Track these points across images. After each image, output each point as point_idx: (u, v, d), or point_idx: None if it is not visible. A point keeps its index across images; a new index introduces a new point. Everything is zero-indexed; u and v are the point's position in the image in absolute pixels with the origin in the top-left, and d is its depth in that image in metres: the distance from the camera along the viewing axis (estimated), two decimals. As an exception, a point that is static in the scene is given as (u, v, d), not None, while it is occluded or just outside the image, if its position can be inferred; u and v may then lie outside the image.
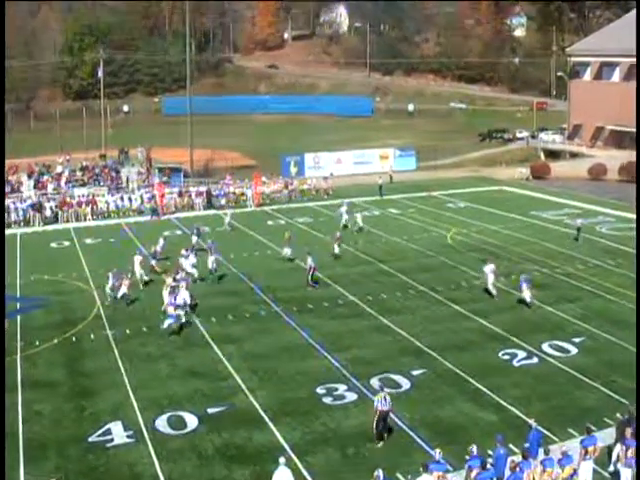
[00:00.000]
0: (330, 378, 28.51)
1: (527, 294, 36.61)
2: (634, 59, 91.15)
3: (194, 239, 47.25)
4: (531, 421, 22.52)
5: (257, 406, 26.42)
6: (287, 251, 44.65)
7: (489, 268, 38.50)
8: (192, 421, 25.44)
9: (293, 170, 75.69)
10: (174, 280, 36.59)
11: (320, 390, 27.52)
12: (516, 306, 36.61)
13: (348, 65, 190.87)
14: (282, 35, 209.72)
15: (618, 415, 23.96)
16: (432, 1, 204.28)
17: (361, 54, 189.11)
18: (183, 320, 33.86)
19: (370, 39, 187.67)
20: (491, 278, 38.16)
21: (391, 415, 24.40)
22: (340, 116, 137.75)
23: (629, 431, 21.84)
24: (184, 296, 35.29)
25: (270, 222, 57.39)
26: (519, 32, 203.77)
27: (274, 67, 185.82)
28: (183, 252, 41.95)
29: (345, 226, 53.35)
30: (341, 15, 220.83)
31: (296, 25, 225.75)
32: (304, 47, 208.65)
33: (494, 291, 37.96)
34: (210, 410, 26.11)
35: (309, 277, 39.91)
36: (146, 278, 40.27)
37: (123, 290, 36.97)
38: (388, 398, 23.99)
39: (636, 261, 43.39)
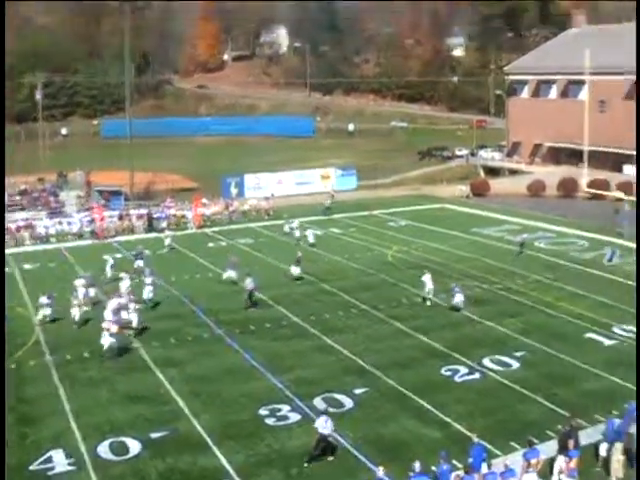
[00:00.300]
0: (273, 399, 28.46)
1: (459, 299, 38.10)
2: (571, 76, 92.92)
3: (137, 263, 46.87)
4: (473, 436, 22.77)
5: (200, 430, 26.23)
6: (231, 273, 44.46)
7: (427, 277, 39.74)
8: (135, 446, 25.17)
9: (234, 191, 75.50)
10: (119, 303, 36.32)
11: (263, 411, 27.44)
12: (457, 322, 37.01)
13: (288, 85, 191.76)
14: (222, 56, 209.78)
15: (559, 427, 24.22)
16: (372, 22, 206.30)
17: (301, 74, 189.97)
18: (127, 342, 33.59)
19: (310, 59, 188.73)
20: (429, 286, 39.35)
21: (334, 435, 24.44)
22: (281, 136, 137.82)
23: (571, 442, 22.22)
24: (132, 318, 35.04)
25: (211, 244, 57.24)
26: (458, 51, 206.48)
27: (204, 87, 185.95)
28: (122, 275, 41.78)
29: (297, 243, 53.69)
30: (281, 36, 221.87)
31: (236, 46, 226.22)
32: (244, 68, 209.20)
33: (428, 301, 39.07)
34: (153, 435, 25.86)
35: (248, 298, 39.85)
36: (86, 306, 39.65)
37: (74, 313, 36.66)
38: (329, 422, 24.01)
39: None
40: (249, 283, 39.85)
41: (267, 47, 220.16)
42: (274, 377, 30.48)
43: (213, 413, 27.53)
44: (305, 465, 23.69)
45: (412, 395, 28.56)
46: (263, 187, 77.35)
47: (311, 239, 53.75)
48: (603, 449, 23.48)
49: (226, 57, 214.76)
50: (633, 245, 53.28)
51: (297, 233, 55.98)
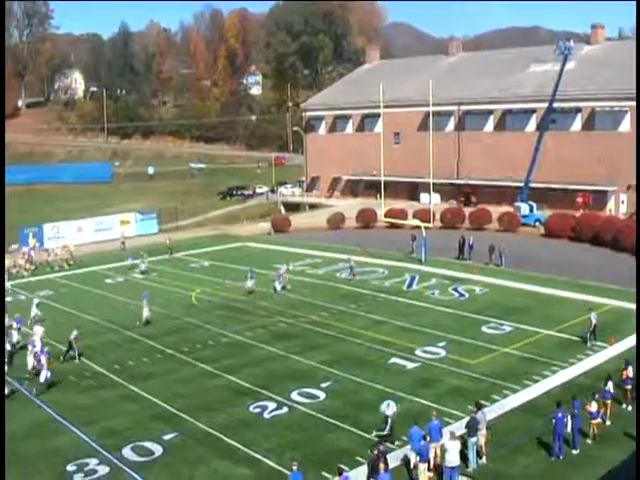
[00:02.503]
0: (81, 453, 27.42)
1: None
2: (366, 110, 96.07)
3: None
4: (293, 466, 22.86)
5: (1, 494, 24.93)
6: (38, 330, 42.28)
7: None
8: None
9: (32, 242, 72.89)
10: None
11: (71, 467, 26.38)
12: (264, 359, 37.15)
13: (85, 131, 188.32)
14: (16, 103, 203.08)
15: (369, 452, 24.61)
16: (168, 63, 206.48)
17: (98, 119, 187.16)
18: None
19: (107, 103, 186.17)
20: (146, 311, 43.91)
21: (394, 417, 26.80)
22: (79, 183, 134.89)
23: (382, 466, 22.68)
24: None
25: (9, 299, 54.79)
26: (255, 90, 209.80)
27: None
28: None
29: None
30: (76, 80, 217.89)
31: (30, 92, 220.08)
32: (39, 114, 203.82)
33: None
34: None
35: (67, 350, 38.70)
36: None
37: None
38: (392, 404, 27.21)
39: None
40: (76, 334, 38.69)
41: (62, 92, 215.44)
42: (79, 430, 29.43)
43: (15, 475, 26.13)
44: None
45: (222, 436, 28.33)
46: (63, 236, 75.19)
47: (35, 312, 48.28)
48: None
49: (20, 103, 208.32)
50: (431, 270, 55.55)
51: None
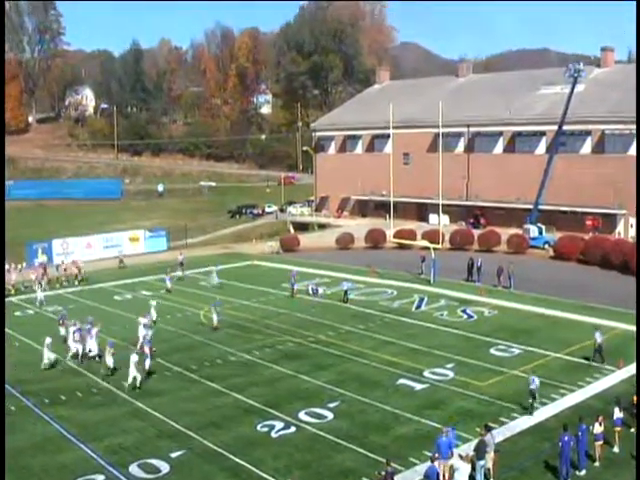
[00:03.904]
0: (87, 469, 27.44)
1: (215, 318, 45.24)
2: (376, 130, 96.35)
3: None
4: None
5: (8, 508, 25.04)
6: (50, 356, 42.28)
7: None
8: None
9: (41, 258, 73.14)
10: None
11: (77, 483, 26.50)
12: (272, 378, 37.16)
13: (95, 147, 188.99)
14: (26, 118, 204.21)
15: (376, 473, 24.62)
16: (178, 82, 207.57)
17: (108, 136, 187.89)
18: None
19: (117, 121, 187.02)
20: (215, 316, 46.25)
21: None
22: (88, 199, 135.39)
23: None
24: None
25: (18, 313, 54.92)
26: (265, 109, 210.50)
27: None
28: None
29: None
30: (87, 97, 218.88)
31: (41, 108, 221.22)
32: (49, 130, 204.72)
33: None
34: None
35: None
36: None
37: None
38: (536, 379, 31.48)
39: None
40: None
41: (73, 108, 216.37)
42: (86, 446, 29.46)
43: (22, 490, 26.29)
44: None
45: (229, 454, 28.32)
46: (72, 252, 75.43)
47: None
48: None
49: (31, 119, 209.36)
50: (440, 291, 55.56)
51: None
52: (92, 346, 41.40)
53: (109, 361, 38.33)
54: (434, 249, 61.30)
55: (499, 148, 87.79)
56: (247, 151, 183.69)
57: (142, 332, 42.85)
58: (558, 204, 77.46)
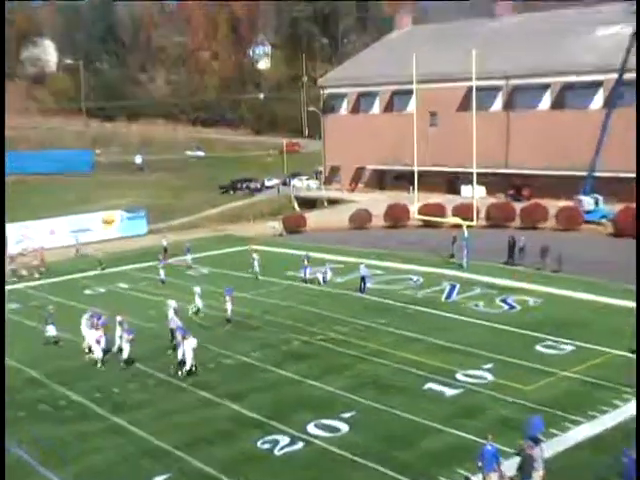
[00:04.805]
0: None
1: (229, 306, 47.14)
2: (396, 86, 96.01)
3: None
4: None
5: None
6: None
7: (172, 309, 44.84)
8: None
9: (-6, 246, 73.25)
10: None
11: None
12: (275, 384, 37.23)
13: (59, 112, 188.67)
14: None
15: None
16: (159, 31, 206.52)
17: (75, 98, 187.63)
18: None
19: (85, 79, 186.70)
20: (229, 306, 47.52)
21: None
22: (52, 174, 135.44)
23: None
24: None
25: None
26: (263, 64, 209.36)
27: None
28: None
29: None
30: (48, 51, 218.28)
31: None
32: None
33: None
34: None
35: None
36: None
37: None
38: None
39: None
40: None
41: (30, 64, 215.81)
42: (53, 472, 29.46)
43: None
44: None
45: (223, 476, 28.35)
46: (32, 239, 75.32)
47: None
48: None
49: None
50: (474, 277, 55.48)
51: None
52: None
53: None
54: (467, 227, 61.20)
55: (545, 104, 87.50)
56: (242, 114, 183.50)
57: (172, 315, 44.87)
58: (618, 170, 77.13)
